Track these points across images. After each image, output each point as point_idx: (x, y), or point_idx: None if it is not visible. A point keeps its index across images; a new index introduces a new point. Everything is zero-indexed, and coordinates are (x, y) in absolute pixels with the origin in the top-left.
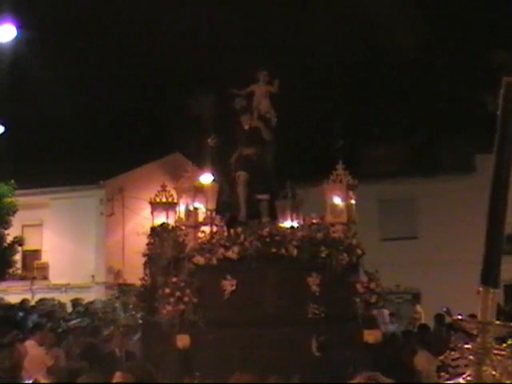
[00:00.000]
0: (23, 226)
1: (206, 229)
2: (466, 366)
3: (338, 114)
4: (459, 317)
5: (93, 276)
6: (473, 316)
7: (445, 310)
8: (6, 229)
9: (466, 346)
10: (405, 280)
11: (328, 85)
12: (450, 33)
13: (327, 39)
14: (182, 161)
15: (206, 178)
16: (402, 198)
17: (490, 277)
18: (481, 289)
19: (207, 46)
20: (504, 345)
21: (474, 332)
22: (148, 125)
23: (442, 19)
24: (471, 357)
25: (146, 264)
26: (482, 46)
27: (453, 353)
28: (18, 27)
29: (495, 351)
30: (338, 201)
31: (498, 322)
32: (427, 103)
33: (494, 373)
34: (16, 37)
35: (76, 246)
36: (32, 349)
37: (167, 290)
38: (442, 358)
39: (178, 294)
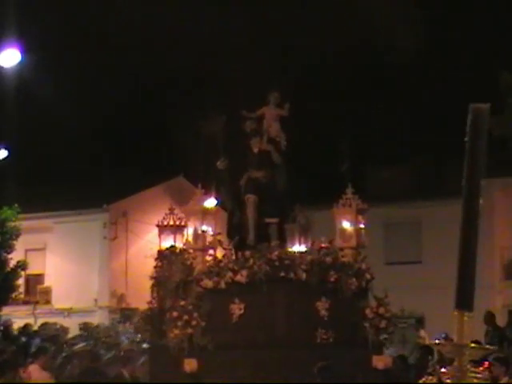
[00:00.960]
0: (26, 250)
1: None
2: None
3: (343, 137)
4: (436, 341)
5: (96, 300)
6: (476, 342)
7: (443, 335)
8: (9, 253)
9: (443, 370)
10: (409, 304)
11: (332, 105)
12: (459, 51)
13: (328, 46)
14: (186, 185)
15: (210, 202)
16: (406, 221)
17: (464, 301)
18: (456, 313)
19: (213, 63)
20: (481, 368)
21: (450, 355)
22: (152, 148)
23: (457, 42)
24: (448, 380)
25: (153, 287)
26: (491, 68)
27: (430, 377)
28: (22, 51)
29: (471, 374)
30: (347, 225)
31: (473, 345)
32: (433, 126)
33: None
34: (20, 61)
35: (79, 270)
36: (36, 373)
37: (175, 314)
38: (421, 382)
39: (185, 317)
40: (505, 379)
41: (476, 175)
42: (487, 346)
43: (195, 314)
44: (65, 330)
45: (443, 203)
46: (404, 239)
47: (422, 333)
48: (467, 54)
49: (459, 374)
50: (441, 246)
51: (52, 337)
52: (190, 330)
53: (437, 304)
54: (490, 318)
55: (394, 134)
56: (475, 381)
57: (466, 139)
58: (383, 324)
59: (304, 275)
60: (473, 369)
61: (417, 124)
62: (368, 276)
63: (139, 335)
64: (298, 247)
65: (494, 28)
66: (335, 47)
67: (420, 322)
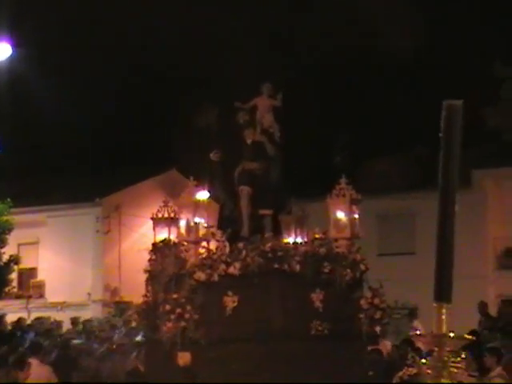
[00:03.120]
0: (19, 245)
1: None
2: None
3: (337, 130)
4: (417, 332)
5: (89, 294)
6: (474, 332)
7: None
8: (1, 247)
9: (423, 360)
10: (402, 295)
11: (328, 98)
12: (454, 43)
13: (327, 42)
14: (179, 178)
15: (203, 195)
16: (400, 213)
17: (442, 293)
18: (435, 305)
19: (203, 56)
20: (459, 358)
21: (431, 346)
22: (144, 142)
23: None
24: (429, 371)
25: (147, 281)
26: (486, 60)
27: (410, 369)
28: (14, 45)
29: (452, 364)
30: (341, 215)
31: (452, 335)
32: (426, 119)
33: None
34: (11, 55)
35: (72, 264)
36: (37, 368)
37: (168, 307)
38: (400, 374)
39: (178, 310)
40: (498, 369)
41: (451, 171)
42: (465, 336)
43: (188, 307)
44: (59, 324)
45: (437, 195)
46: (397, 231)
47: (416, 323)
48: (462, 49)
49: (440, 365)
50: (434, 237)
51: (46, 331)
52: (183, 324)
53: (430, 295)
54: (482, 307)
55: (387, 126)
56: (455, 371)
57: (440, 135)
58: (378, 315)
59: (298, 267)
60: (453, 359)
61: (409, 116)
62: (362, 267)
63: (130, 328)
64: (294, 239)
65: (489, 23)
66: (334, 42)
67: (413, 313)
